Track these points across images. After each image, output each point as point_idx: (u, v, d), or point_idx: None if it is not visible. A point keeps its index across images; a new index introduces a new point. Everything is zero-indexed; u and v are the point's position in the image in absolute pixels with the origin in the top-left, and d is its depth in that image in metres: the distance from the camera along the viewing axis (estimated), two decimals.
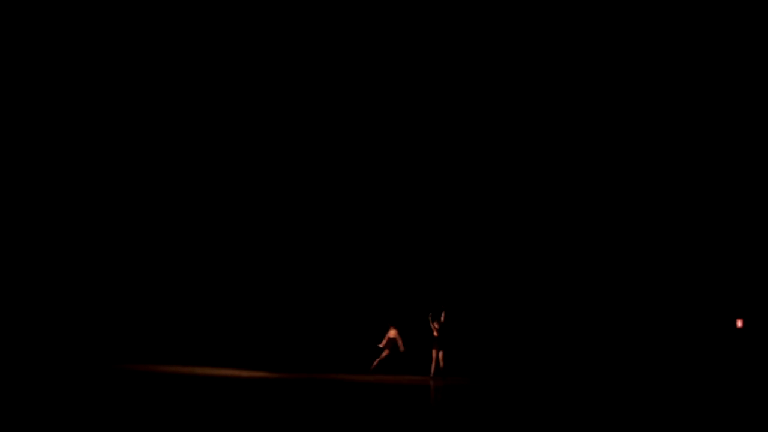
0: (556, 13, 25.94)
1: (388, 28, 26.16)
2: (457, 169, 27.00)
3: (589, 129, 26.71)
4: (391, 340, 21.43)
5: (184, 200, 26.10)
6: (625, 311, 25.26)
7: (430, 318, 21.31)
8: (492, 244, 26.47)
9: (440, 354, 21.18)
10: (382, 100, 26.83)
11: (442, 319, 21.24)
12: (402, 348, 21.41)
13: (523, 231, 26.65)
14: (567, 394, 17.25)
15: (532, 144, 26.96)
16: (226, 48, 26.13)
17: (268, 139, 26.67)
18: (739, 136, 25.85)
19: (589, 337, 24.79)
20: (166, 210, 25.94)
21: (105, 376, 16.88)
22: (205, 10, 25.61)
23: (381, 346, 21.48)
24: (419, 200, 26.70)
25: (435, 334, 21.17)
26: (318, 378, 19.54)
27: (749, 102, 25.67)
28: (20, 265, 23.97)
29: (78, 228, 25.11)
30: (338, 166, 26.88)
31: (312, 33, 26.20)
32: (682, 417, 13.46)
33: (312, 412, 12.42)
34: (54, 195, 25.10)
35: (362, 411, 12.82)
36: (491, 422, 12.04)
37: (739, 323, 24.27)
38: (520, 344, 24.72)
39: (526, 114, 26.86)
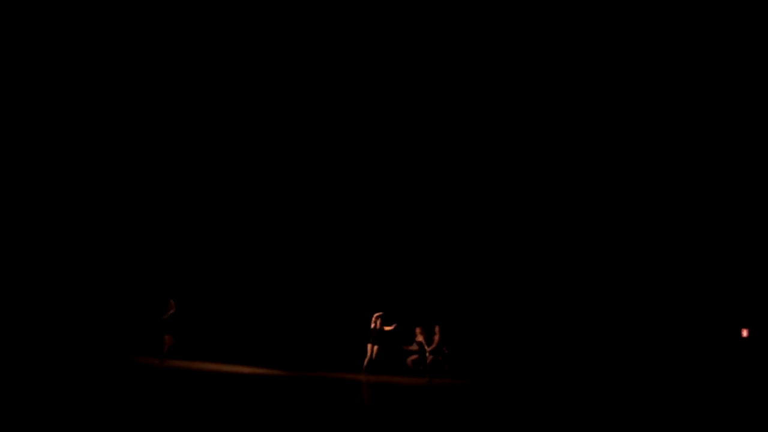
0: (556, 13, 25.85)
1: (388, 28, 26.03)
2: (457, 172, 26.87)
3: (589, 136, 26.61)
4: None
5: (190, 197, 25.96)
6: (629, 321, 25.10)
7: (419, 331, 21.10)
8: (491, 255, 26.30)
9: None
10: (382, 103, 26.67)
11: (418, 332, 20.98)
12: None
13: (522, 241, 26.49)
14: (565, 403, 17.02)
15: (532, 153, 26.81)
16: (226, 48, 25.97)
17: (269, 138, 26.51)
18: (743, 140, 25.77)
19: (590, 344, 24.59)
20: (173, 207, 25.81)
21: (113, 369, 16.69)
22: (204, 10, 25.45)
23: None
24: (420, 200, 26.56)
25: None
26: (324, 376, 19.30)
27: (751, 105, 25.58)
28: (34, 260, 23.86)
29: (89, 225, 25.00)
30: (341, 166, 26.74)
31: (312, 33, 26.06)
32: (680, 423, 13.35)
33: (315, 411, 12.13)
34: (64, 192, 24.97)
35: (366, 410, 12.58)
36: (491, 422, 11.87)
37: (745, 333, 24.20)
38: (520, 351, 24.51)
39: (526, 118, 26.73)
